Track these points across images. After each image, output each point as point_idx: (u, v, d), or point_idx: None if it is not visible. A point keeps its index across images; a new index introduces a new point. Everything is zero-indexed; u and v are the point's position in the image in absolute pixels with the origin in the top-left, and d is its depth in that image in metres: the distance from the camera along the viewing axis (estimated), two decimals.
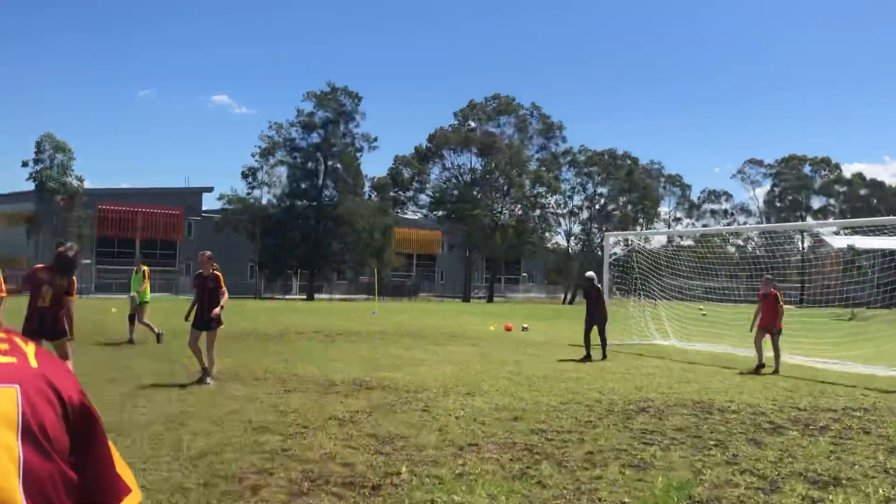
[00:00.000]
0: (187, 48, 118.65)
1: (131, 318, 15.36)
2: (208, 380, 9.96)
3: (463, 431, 7.47)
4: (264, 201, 57.92)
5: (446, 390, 10.07)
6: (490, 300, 64.67)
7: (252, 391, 9.52)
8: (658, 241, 65.99)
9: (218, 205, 58.63)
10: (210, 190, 60.86)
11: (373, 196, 63.97)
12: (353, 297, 58.49)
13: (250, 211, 55.92)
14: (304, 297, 55.36)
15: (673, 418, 8.52)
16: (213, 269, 10.07)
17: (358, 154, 59.32)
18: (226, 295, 10.05)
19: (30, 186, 48.38)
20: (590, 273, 15.03)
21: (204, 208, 60.96)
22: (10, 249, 52.51)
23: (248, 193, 57.13)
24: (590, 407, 9.12)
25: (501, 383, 10.96)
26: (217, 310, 9.92)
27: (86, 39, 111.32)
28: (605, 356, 14.49)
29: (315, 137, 57.91)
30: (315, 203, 57.39)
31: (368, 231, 55.91)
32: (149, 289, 15.40)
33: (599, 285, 14.87)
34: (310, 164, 57.86)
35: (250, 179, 57.14)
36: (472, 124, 68.97)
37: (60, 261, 7.72)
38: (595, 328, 14.69)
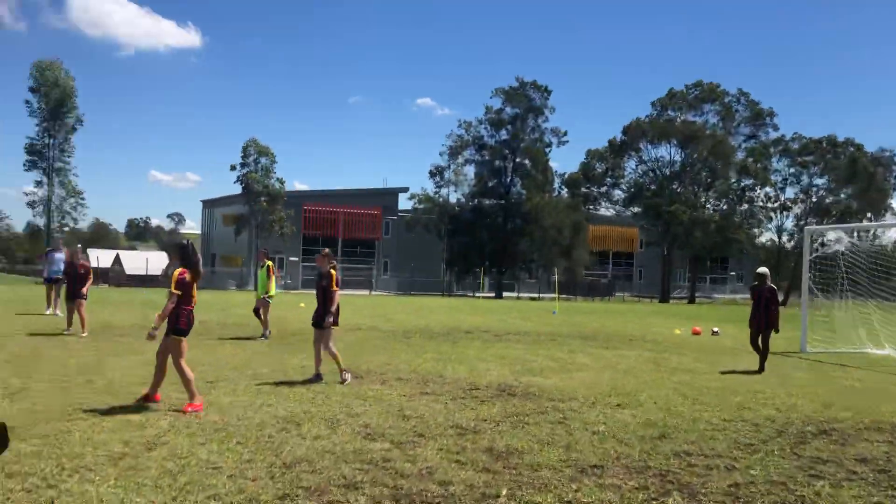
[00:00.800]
0: (397, 52, 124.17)
1: (256, 312, 15.29)
2: (345, 375, 9.80)
3: (593, 450, 6.59)
4: (452, 200, 58.83)
5: (595, 400, 9.15)
6: (691, 301, 61.17)
7: (386, 392, 9.19)
8: (889, 236, 58.71)
9: (410, 204, 60.57)
10: (405, 190, 62.91)
11: (563, 192, 62.78)
12: (542, 295, 57.74)
13: (438, 210, 57.04)
14: (493, 295, 55.46)
15: (859, 445, 7.06)
16: (330, 267, 9.91)
17: (547, 149, 58.52)
18: (337, 293, 9.81)
19: (237, 189, 52.53)
20: (762, 269, 13.17)
21: (400, 208, 63.20)
22: (225, 248, 57.55)
23: (436, 192, 58.32)
24: (758, 426, 7.83)
25: (663, 394, 9.83)
26: (328, 317, 9.70)
27: (305, 52, 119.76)
28: (761, 369, 12.67)
29: (504, 134, 57.84)
30: (503, 201, 57.30)
31: (557, 228, 54.87)
32: (274, 285, 15.26)
33: (774, 285, 13.04)
34: (497, 162, 57.87)
35: (437, 178, 58.32)
36: (672, 114, 65.50)
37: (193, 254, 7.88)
38: (760, 334, 12.98)
